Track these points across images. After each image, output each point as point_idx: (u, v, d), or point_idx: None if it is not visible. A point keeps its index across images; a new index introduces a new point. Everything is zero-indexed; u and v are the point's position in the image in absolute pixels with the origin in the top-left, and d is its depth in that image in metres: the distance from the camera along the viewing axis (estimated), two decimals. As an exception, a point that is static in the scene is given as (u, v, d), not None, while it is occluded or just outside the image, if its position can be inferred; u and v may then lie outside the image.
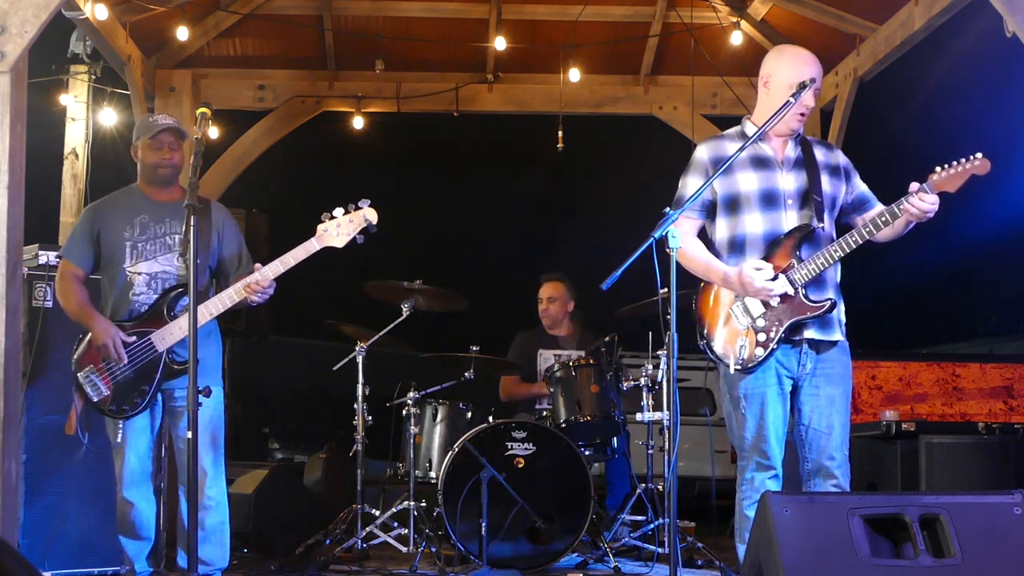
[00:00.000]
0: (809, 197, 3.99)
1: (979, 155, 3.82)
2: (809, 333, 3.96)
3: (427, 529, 5.92)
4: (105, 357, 4.48)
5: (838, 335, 4.02)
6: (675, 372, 3.58)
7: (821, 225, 3.97)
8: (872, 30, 7.18)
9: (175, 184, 4.72)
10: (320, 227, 4.47)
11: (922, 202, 3.80)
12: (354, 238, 4.48)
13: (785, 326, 3.93)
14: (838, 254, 3.92)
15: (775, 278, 3.92)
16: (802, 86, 3.93)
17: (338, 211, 4.48)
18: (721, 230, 4.10)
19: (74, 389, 4.54)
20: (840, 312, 4.04)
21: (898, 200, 3.85)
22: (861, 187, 4.15)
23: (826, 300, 3.93)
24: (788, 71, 4.01)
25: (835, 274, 4.04)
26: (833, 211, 4.06)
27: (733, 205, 4.05)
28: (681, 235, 3.96)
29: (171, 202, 4.63)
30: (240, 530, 5.93)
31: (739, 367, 3.98)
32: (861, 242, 3.90)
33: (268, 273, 4.45)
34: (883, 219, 3.87)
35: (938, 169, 3.84)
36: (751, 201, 4.02)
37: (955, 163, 3.83)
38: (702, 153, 4.11)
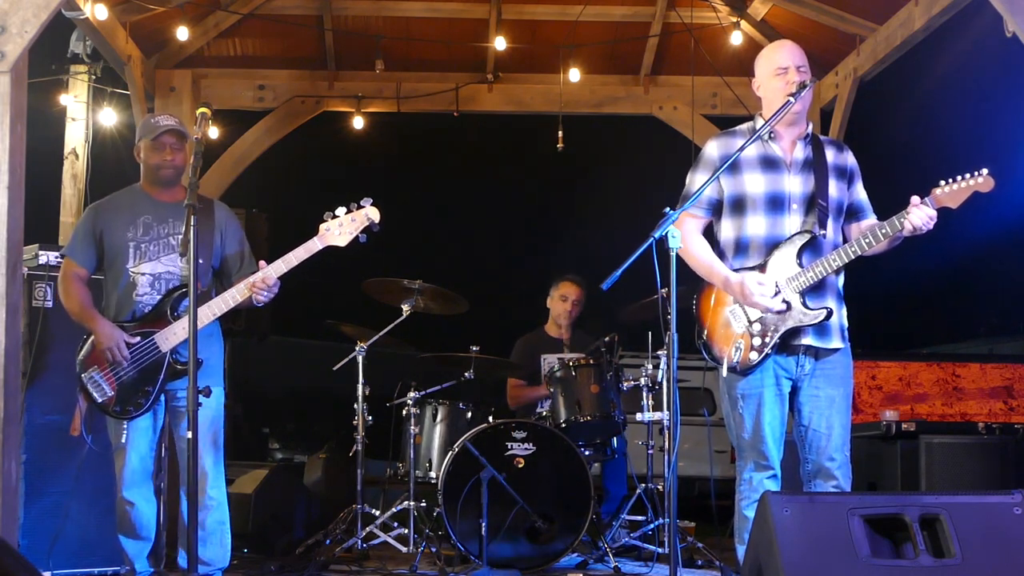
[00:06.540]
0: (814, 202, 3.97)
1: (984, 171, 3.75)
2: (806, 340, 3.94)
3: (427, 529, 5.92)
4: (110, 361, 4.47)
5: (837, 343, 3.98)
6: (675, 372, 3.57)
7: (823, 232, 3.95)
8: (872, 30, 7.17)
9: (178, 184, 4.70)
10: (323, 226, 4.47)
11: (923, 216, 3.75)
12: (356, 237, 4.47)
13: (781, 332, 3.92)
14: (836, 263, 3.90)
15: (776, 294, 3.91)
16: (802, 86, 3.92)
17: (340, 210, 4.47)
18: (726, 230, 4.09)
19: (78, 390, 4.52)
20: (841, 318, 4.01)
21: (899, 213, 3.80)
22: (860, 195, 4.12)
23: (822, 308, 3.91)
24: (764, 66, 4.08)
25: (836, 280, 4.01)
26: (839, 217, 4.03)
27: (738, 206, 4.03)
28: (685, 232, 3.94)
29: (174, 202, 4.62)
30: (240, 530, 5.92)
31: (732, 370, 3.98)
32: (860, 253, 3.88)
33: (271, 272, 4.45)
34: (883, 231, 3.84)
35: (941, 183, 3.79)
36: (756, 203, 3.99)
37: (959, 178, 3.77)
38: (712, 150, 4.09)
